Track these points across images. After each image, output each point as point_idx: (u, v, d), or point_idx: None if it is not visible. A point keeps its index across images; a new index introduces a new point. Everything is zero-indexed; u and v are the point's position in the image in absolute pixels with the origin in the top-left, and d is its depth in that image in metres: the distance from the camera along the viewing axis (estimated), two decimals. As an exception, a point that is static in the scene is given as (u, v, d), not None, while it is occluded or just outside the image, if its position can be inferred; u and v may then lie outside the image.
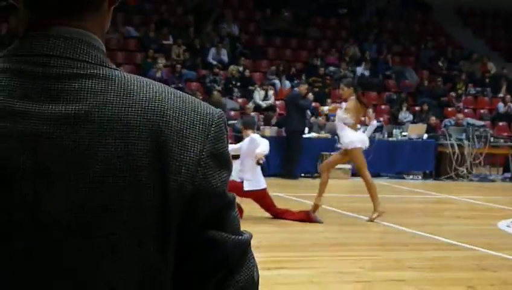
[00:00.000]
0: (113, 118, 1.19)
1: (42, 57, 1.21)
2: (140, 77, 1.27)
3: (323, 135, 17.39)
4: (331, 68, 24.16)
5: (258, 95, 21.30)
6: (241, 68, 22.48)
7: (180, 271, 1.28)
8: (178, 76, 21.70)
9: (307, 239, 9.02)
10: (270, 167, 16.30)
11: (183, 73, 21.82)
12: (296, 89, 18.01)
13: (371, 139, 17.35)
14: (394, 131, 18.27)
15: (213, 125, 1.26)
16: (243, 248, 1.31)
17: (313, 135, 17.39)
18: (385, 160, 17.52)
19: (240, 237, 1.30)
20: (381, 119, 21.07)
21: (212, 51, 23.12)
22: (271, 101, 21.32)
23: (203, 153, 1.24)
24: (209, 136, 1.25)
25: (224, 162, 1.27)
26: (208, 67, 22.48)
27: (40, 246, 1.18)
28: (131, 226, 1.20)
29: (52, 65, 1.20)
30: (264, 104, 21.02)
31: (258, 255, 6.27)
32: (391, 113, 22.63)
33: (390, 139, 18.10)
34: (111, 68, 1.24)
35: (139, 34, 23.47)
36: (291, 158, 16.36)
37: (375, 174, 17.32)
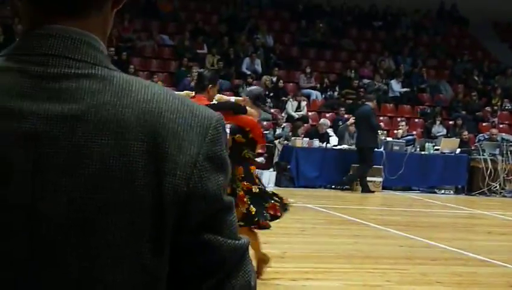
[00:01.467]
0: (109, 119, 1.19)
1: (41, 56, 1.21)
2: (141, 79, 1.27)
3: (354, 147, 17.31)
4: (365, 80, 24.09)
5: (291, 105, 21.29)
6: (274, 78, 22.50)
7: (175, 274, 1.26)
8: (212, 85, 21.75)
9: (334, 251, 8.97)
10: (299, 177, 16.29)
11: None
12: (368, 104, 17.03)
13: (404, 152, 17.35)
14: (427, 145, 18.14)
15: (211, 128, 1.25)
16: (240, 253, 1.29)
17: (344, 146, 17.31)
18: (417, 173, 17.43)
19: (237, 241, 1.28)
20: (415, 132, 20.96)
21: (246, 60, 23.17)
22: (304, 112, 21.30)
23: (200, 156, 1.23)
24: (206, 139, 1.24)
25: (221, 165, 1.26)
26: (242, 77, 22.53)
27: (38, 247, 1.18)
28: (126, 228, 1.19)
29: (51, 64, 1.20)
30: (296, 115, 21.01)
31: (284, 266, 6.24)
32: (425, 127, 22.49)
33: (422, 152, 17.99)
34: (110, 69, 1.24)
35: (173, 43, 23.61)
36: (362, 173, 16.23)
37: (407, 188, 17.28)
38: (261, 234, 9.82)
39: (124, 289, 1.21)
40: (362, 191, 16.14)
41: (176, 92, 1.30)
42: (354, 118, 17.34)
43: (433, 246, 9.95)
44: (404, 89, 23.98)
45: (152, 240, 1.21)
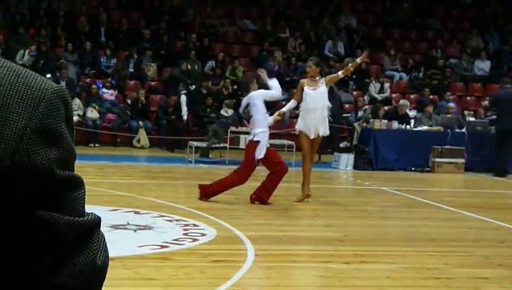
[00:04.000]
0: None
1: None
2: None
3: (435, 128, 16.96)
4: (452, 60, 23.55)
5: (374, 87, 21.03)
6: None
7: (11, 251, 1.25)
8: (293, 69, 21.72)
9: (397, 233, 8.81)
10: (378, 160, 16.08)
11: (298, 66, 21.81)
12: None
13: (488, 132, 16.85)
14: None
15: (44, 101, 1.23)
16: (81, 230, 1.27)
17: (424, 128, 16.99)
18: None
19: (78, 218, 1.26)
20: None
21: (329, 43, 23.00)
22: (387, 94, 21.01)
23: (27, 129, 1.21)
24: (37, 112, 1.22)
25: (54, 139, 1.24)
26: (324, 60, 22.34)
27: None
28: None
29: None
30: (379, 97, 20.74)
31: (340, 249, 6.18)
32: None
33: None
34: None
35: (256, 27, 23.64)
36: (503, 156, 15.97)
37: (491, 169, 16.67)
38: (322, 217, 9.78)
39: None
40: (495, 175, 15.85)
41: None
42: (491, 99, 17.22)
43: (503, 227, 9.66)
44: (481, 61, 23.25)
45: None
